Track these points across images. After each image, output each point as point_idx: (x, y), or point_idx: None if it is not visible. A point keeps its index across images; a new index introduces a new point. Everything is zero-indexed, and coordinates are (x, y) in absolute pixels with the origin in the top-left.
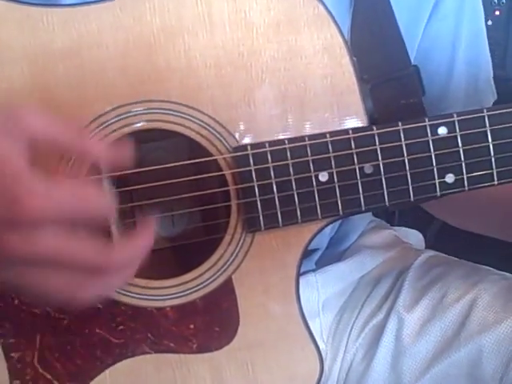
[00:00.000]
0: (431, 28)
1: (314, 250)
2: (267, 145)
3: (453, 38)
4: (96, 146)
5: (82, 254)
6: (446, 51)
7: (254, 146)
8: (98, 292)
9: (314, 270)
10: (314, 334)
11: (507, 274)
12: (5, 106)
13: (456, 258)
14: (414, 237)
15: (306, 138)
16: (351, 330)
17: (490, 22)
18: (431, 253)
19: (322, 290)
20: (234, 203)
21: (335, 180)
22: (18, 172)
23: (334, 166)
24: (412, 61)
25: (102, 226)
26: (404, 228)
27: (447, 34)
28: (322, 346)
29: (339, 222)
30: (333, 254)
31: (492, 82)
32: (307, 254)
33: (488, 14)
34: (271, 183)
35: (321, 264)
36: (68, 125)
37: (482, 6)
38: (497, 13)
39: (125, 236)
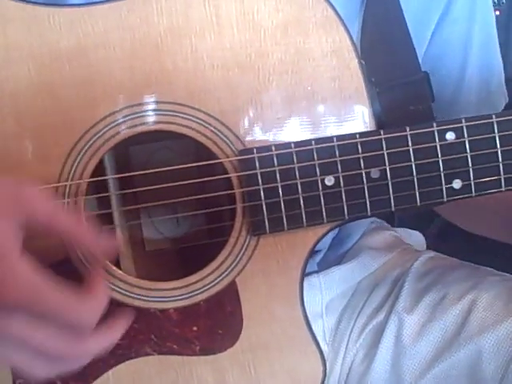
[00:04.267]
0: (442, 32)
1: (316, 252)
2: (273, 148)
3: (465, 42)
4: (90, 236)
5: (46, 344)
6: (457, 55)
7: (260, 149)
8: (54, 372)
9: (317, 272)
10: (317, 335)
11: (507, 274)
12: (9, 179)
13: (456, 259)
14: (415, 237)
15: (313, 142)
16: (352, 331)
17: None
18: (431, 254)
19: (326, 292)
20: (239, 206)
21: (341, 184)
22: (8, 253)
23: (340, 171)
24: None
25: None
26: (405, 229)
27: (459, 37)
28: (324, 347)
29: None
30: (335, 255)
31: (504, 85)
32: None
33: None
34: (277, 187)
35: (323, 265)
36: (68, 214)
37: (492, 11)
38: (497, 13)
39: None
